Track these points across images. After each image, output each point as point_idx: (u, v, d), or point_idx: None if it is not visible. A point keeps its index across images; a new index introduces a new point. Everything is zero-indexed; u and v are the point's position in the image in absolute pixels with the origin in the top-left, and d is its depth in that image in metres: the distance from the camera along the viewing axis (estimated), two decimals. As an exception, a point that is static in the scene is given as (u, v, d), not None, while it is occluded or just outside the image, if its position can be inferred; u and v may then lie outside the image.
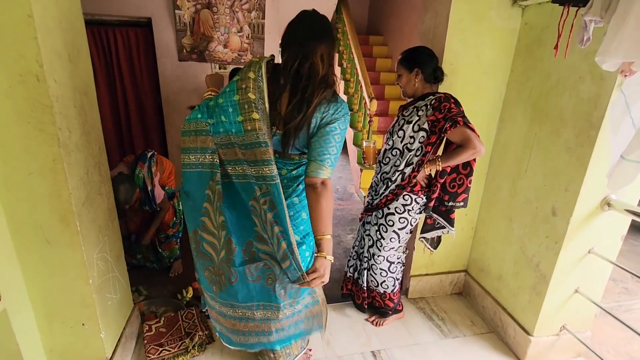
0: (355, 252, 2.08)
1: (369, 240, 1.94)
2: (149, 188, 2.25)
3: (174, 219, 2.56)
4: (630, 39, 0.86)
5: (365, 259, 1.98)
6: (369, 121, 4.01)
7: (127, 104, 3.17)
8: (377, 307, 2.03)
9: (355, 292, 2.11)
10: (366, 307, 2.07)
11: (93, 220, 1.38)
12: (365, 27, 6.35)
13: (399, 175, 1.72)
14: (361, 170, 4.15)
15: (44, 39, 1.08)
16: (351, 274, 2.12)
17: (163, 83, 3.10)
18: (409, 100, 1.77)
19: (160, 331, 1.85)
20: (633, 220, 1.58)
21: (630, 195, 1.59)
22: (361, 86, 4.20)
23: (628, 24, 0.90)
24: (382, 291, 1.97)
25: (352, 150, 4.55)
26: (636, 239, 3.71)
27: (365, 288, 2.04)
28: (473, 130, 1.53)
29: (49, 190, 1.18)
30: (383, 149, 1.86)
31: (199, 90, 3.19)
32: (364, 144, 1.98)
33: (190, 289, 2.29)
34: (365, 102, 4.01)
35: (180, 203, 2.66)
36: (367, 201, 1.96)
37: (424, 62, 1.66)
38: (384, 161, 1.81)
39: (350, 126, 4.69)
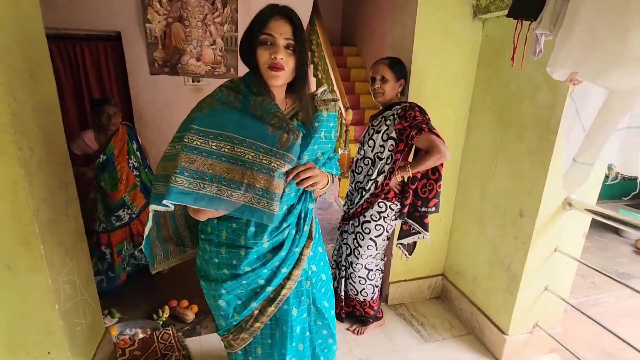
0: (334, 261, 2.09)
1: (347, 248, 1.96)
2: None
3: None
4: (574, 51, 0.93)
5: (344, 268, 1.99)
6: (345, 130, 4.06)
7: (96, 120, 3.08)
8: (358, 315, 2.04)
9: (336, 302, 2.11)
10: (344, 316, 2.07)
11: (59, 243, 1.32)
12: (339, 37, 6.47)
13: (372, 183, 1.76)
14: (339, 179, 4.18)
15: (2, 56, 1.04)
16: (342, 291, 2.10)
17: (135, 97, 3.05)
18: (380, 109, 1.82)
19: (135, 354, 1.78)
20: (595, 219, 1.67)
21: (589, 195, 1.68)
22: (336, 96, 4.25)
23: (572, 37, 0.97)
24: (361, 299, 1.98)
25: (330, 159, 4.59)
26: (601, 235, 3.91)
27: (343, 297, 2.04)
28: (438, 136, 1.58)
29: (9, 213, 1.13)
30: (355, 159, 1.89)
31: (172, 103, 3.15)
32: (339, 151, 2.01)
33: (167, 307, 2.22)
34: (341, 112, 4.07)
35: None
36: (344, 210, 1.98)
37: (406, 75, 1.78)
38: (357, 170, 1.85)
39: (327, 135, 4.74)
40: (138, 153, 2.42)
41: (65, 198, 1.40)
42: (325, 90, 1.14)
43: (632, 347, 1.46)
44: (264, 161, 0.92)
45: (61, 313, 1.30)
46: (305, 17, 4.81)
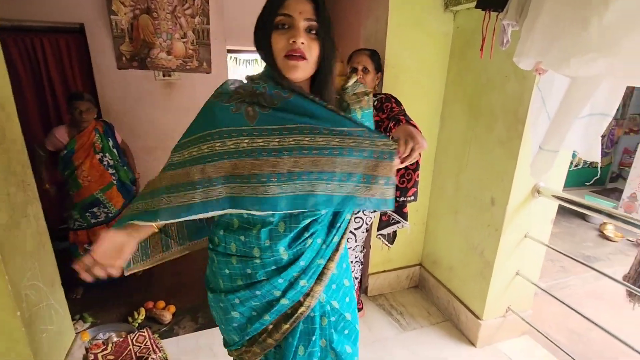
0: None
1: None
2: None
3: None
4: (538, 41, 0.95)
5: None
6: (323, 124, 4.06)
7: (60, 117, 2.92)
8: None
9: None
10: None
11: (18, 245, 1.25)
12: (315, 32, 6.43)
13: None
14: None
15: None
16: None
17: (102, 93, 2.91)
18: None
19: (108, 359, 1.72)
20: (562, 205, 1.74)
21: (556, 182, 1.75)
22: (313, 90, 4.24)
23: (536, 27, 0.99)
24: None
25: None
26: (568, 221, 4.09)
27: None
28: (415, 126, 1.60)
29: (-41, 216, 1.06)
30: None
31: (142, 99, 3.03)
32: None
33: (143, 309, 2.16)
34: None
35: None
36: None
37: (382, 68, 1.77)
38: None
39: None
40: (115, 150, 2.33)
41: (25, 198, 1.33)
42: (356, 82, 0.94)
43: (598, 326, 1.53)
44: (351, 144, 0.76)
45: (24, 320, 1.23)
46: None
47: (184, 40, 2.99)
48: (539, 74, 1.11)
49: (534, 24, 1.01)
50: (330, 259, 0.91)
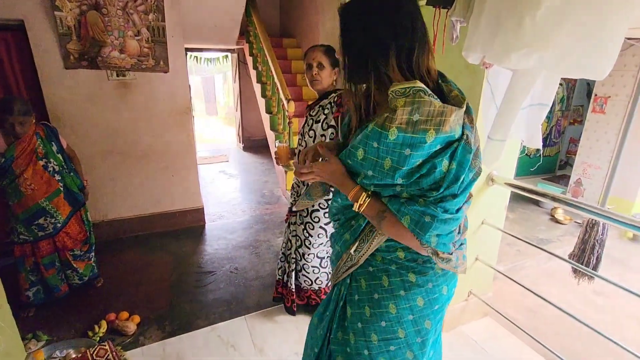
0: (283, 254, 2.07)
1: (297, 240, 1.95)
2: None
3: (84, 234, 2.30)
4: (482, 36, 1.00)
5: (294, 260, 1.99)
6: (289, 123, 4.04)
7: (2, 121, 2.70)
8: (314, 305, 2.05)
9: (285, 294, 2.10)
10: (295, 309, 2.08)
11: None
12: (278, 29, 6.38)
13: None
14: (286, 172, 4.16)
15: None
16: (280, 277, 2.11)
17: (48, 95, 2.72)
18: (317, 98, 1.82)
19: (66, 377, 1.62)
20: (514, 192, 1.85)
21: (508, 171, 1.85)
22: (277, 89, 4.20)
23: (481, 23, 1.04)
24: (316, 288, 2.00)
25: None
26: (524, 208, 4.36)
27: (294, 290, 2.04)
28: None
29: None
30: (298, 150, 1.87)
31: (95, 100, 2.87)
32: (276, 144, 1.98)
33: (104, 322, 2.05)
34: (283, 104, 4.03)
35: (88, 214, 2.38)
36: (291, 202, 1.97)
37: (339, 64, 1.75)
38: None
39: (271, 129, 4.68)
40: (60, 156, 2.17)
41: (-41, 211, 1.21)
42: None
43: (549, 302, 1.64)
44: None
45: (-36, 343, 1.13)
46: (240, 8, 4.66)
47: (138, 38, 2.86)
48: (486, 67, 1.17)
49: (479, 20, 1.06)
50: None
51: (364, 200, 0.82)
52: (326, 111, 1.72)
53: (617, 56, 0.79)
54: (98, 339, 1.95)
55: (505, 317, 1.90)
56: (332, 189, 1.00)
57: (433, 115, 0.70)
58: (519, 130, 1.14)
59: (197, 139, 6.99)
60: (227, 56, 6.90)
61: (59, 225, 2.15)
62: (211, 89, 12.69)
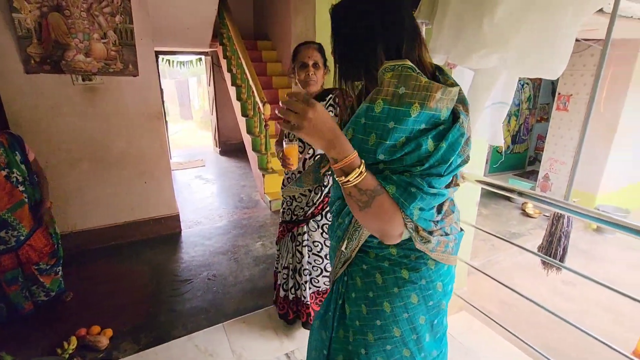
0: (291, 270, 1.90)
1: (315, 246, 1.83)
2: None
3: (51, 247, 2.19)
4: (446, 37, 1.02)
5: (307, 272, 1.86)
6: (265, 126, 4.01)
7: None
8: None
9: (301, 310, 1.93)
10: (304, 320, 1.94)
11: None
12: (252, 31, 6.33)
13: (330, 177, 1.67)
14: (263, 175, 4.13)
15: None
16: (294, 294, 1.93)
17: (8, 101, 2.58)
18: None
19: (32, 398, 1.53)
20: (485, 189, 1.90)
21: (478, 168, 1.91)
22: (253, 91, 4.17)
23: (444, 25, 1.06)
24: None
25: (252, 156, 4.49)
26: (496, 203, 4.51)
27: (309, 302, 1.90)
28: None
29: None
30: (303, 159, 1.75)
31: (60, 106, 2.75)
32: (285, 145, 1.63)
33: (74, 338, 1.96)
34: (259, 107, 4.00)
35: (55, 226, 2.27)
36: (296, 215, 1.81)
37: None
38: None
39: (248, 132, 4.63)
40: (23, 166, 2.05)
41: None
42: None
43: (522, 295, 1.70)
44: None
45: None
46: (212, 11, 4.59)
47: (104, 40, 2.76)
48: (451, 67, 1.20)
49: (442, 22, 1.09)
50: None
51: (361, 171, 0.70)
52: (330, 112, 1.66)
53: (570, 56, 0.83)
54: (67, 356, 1.86)
55: (480, 311, 1.95)
56: (329, 173, 0.95)
57: (419, 90, 0.69)
58: (482, 129, 1.18)
59: (172, 144, 6.82)
60: (200, 59, 6.79)
61: (22, 238, 2.04)
62: (185, 92, 12.43)
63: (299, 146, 1.72)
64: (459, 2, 1.02)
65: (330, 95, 1.67)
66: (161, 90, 6.25)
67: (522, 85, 5.54)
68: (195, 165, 6.04)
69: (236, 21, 4.99)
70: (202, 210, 4.07)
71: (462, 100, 0.78)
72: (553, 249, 1.93)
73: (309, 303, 1.88)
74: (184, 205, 4.18)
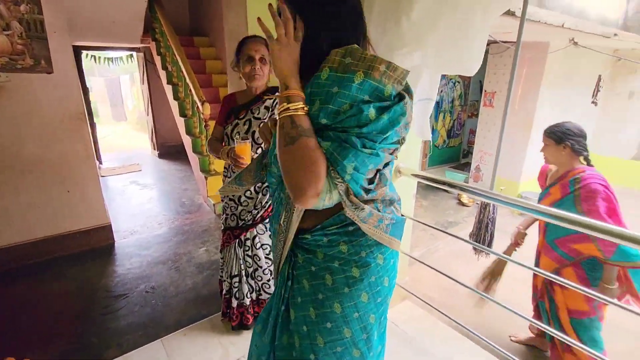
0: (244, 275, 1.81)
1: (264, 249, 1.79)
2: None
3: None
4: (372, 37, 1.04)
5: (267, 272, 1.82)
6: (205, 126, 3.83)
7: None
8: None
9: (243, 312, 1.87)
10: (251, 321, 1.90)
11: None
12: (188, 27, 6.02)
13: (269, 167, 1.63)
14: (206, 178, 3.95)
15: None
16: (255, 299, 1.87)
17: None
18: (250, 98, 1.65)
19: None
20: (420, 182, 2.00)
21: (414, 163, 1.99)
22: (190, 90, 3.96)
23: (370, 25, 1.07)
24: None
25: (193, 158, 4.27)
26: (435, 195, 4.79)
27: (252, 303, 1.87)
28: None
29: None
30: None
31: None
32: (237, 143, 1.58)
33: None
34: (198, 107, 3.81)
35: None
36: (243, 220, 1.74)
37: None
38: None
39: (188, 133, 4.39)
40: None
41: None
42: None
43: (456, 281, 1.82)
44: None
45: None
46: (141, 4, 4.28)
47: (8, 32, 2.42)
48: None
49: (368, 22, 1.10)
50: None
51: (302, 107, 0.74)
52: (276, 111, 1.61)
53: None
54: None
55: (421, 300, 2.05)
56: (265, 172, 0.93)
57: (364, 60, 0.72)
58: (412, 124, 1.23)
59: (102, 147, 6.24)
60: (131, 55, 6.30)
61: None
62: (117, 91, 11.46)
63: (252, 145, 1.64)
64: (382, 2, 1.04)
65: (277, 93, 1.62)
66: (86, 88, 5.68)
67: (454, 84, 5.96)
68: (130, 170, 5.60)
69: (170, 16, 4.70)
70: (138, 218, 3.78)
71: (407, 88, 0.80)
72: (482, 235, 2.09)
73: (252, 304, 1.85)
74: (118, 214, 3.85)
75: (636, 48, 4.81)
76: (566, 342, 1.33)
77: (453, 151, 6.45)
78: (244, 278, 1.82)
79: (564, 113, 4.74)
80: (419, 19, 0.83)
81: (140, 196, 4.48)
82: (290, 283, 0.92)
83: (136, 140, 8.50)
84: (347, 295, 0.85)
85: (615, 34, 3.82)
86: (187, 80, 3.97)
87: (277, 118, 0.76)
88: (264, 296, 1.86)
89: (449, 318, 1.86)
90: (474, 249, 2.09)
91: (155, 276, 2.66)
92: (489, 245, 2.09)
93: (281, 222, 0.89)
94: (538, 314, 2.04)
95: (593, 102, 5.44)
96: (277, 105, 0.78)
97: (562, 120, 1.82)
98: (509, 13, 2.26)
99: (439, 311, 1.92)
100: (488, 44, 4.15)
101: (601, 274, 1.62)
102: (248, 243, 1.78)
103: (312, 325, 0.88)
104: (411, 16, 0.83)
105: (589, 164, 1.74)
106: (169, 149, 6.55)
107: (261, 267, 1.81)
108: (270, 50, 0.78)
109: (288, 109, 0.74)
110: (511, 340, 2.29)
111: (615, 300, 1.33)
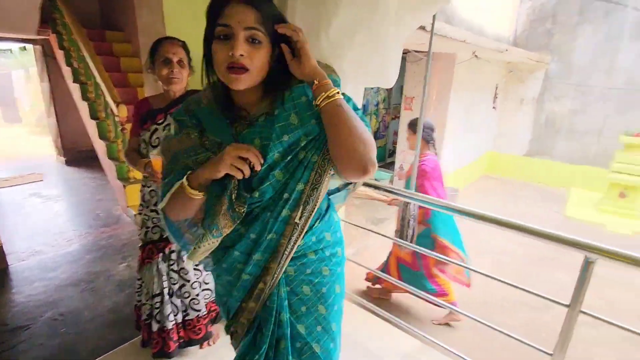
0: (166, 294, 1.64)
1: (184, 270, 1.66)
2: None
3: None
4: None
5: (188, 294, 1.68)
6: (122, 129, 3.49)
7: None
8: (210, 330, 1.77)
9: (190, 333, 1.72)
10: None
11: None
12: (98, 20, 5.42)
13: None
14: (124, 186, 3.60)
15: None
16: (180, 321, 1.70)
17: None
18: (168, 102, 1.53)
19: None
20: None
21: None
22: (102, 90, 3.57)
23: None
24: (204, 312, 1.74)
25: (109, 165, 3.86)
26: (365, 193, 5.02)
27: (196, 317, 1.72)
28: None
29: None
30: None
31: None
32: (152, 156, 1.47)
33: None
34: (112, 109, 3.46)
35: None
36: (162, 234, 1.61)
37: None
38: None
39: (101, 138, 3.95)
40: None
41: None
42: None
43: (385, 277, 1.93)
44: None
45: None
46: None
47: None
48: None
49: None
50: (283, 235, 0.82)
51: (338, 91, 0.77)
52: (318, 100, 1.49)
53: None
54: None
55: (356, 295, 2.14)
56: (242, 206, 0.80)
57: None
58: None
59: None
60: (24, 48, 5.47)
61: None
62: (9, 89, 9.83)
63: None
64: (302, 14, 1.05)
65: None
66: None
67: (378, 89, 6.33)
68: (28, 181, 4.85)
69: (76, 6, 4.18)
70: (41, 236, 3.29)
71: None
72: (405, 231, 2.26)
73: (179, 326, 1.69)
74: (13, 232, 3.31)
75: (524, 61, 5.64)
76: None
77: (379, 151, 6.85)
78: (166, 297, 1.65)
79: (471, 116, 5.36)
80: (336, 36, 0.86)
81: (43, 210, 3.91)
82: (287, 302, 0.86)
83: (36, 146, 7.38)
84: (340, 275, 0.92)
85: (507, 49, 4.43)
86: (98, 79, 3.57)
87: (330, 101, 0.76)
88: (192, 315, 1.71)
89: (382, 311, 1.97)
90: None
91: (65, 300, 2.35)
92: (411, 240, 2.27)
93: (297, 220, 0.81)
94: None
95: (493, 107, 6.25)
96: (321, 92, 0.77)
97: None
98: (421, 27, 2.48)
99: (373, 307, 2.02)
100: (406, 53, 4.51)
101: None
102: (173, 256, 1.64)
103: (324, 320, 0.88)
104: (329, 33, 0.86)
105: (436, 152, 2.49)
106: (78, 155, 5.83)
107: (189, 281, 1.68)
108: (304, 50, 0.77)
109: (338, 92, 0.76)
110: (433, 323, 2.52)
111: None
